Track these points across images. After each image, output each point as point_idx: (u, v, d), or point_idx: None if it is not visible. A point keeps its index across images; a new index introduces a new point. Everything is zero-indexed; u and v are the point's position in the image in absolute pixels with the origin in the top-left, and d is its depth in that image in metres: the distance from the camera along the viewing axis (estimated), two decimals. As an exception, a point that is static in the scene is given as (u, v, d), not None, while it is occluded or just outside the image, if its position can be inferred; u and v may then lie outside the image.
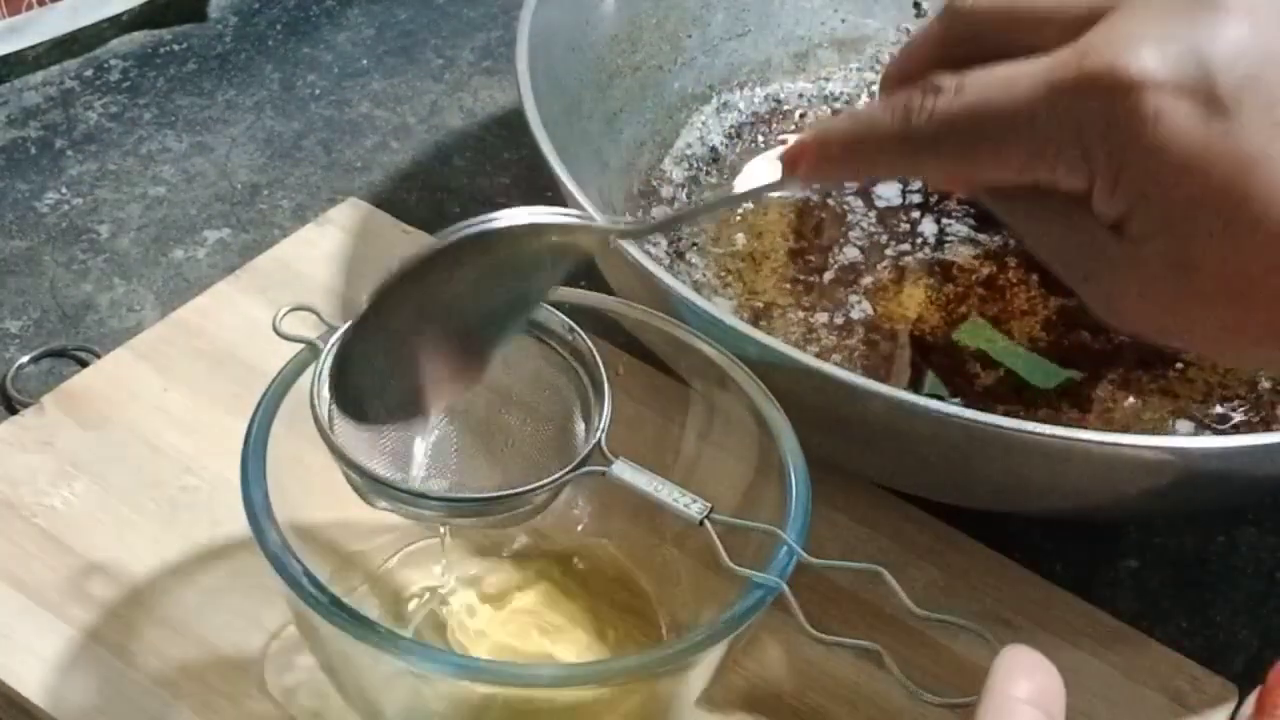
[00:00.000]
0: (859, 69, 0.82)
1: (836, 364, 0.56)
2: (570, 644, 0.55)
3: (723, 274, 0.72)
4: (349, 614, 0.46)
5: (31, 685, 0.53)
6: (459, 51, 0.88)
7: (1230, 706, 0.57)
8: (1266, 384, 0.69)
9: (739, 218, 0.75)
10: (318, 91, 0.84)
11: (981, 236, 0.74)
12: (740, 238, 0.74)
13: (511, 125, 0.82)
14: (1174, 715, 0.57)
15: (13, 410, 0.65)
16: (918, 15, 0.82)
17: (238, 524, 0.48)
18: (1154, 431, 0.66)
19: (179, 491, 0.59)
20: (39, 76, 0.83)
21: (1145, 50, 0.40)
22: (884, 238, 0.74)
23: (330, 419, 0.50)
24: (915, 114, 0.42)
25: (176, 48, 0.86)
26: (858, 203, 0.76)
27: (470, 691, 0.48)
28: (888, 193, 0.77)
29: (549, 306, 0.53)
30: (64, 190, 0.76)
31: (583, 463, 0.50)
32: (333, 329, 0.51)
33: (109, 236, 0.74)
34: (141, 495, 0.59)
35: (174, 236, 0.74)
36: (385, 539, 0.57)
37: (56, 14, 0.80)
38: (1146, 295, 0.42)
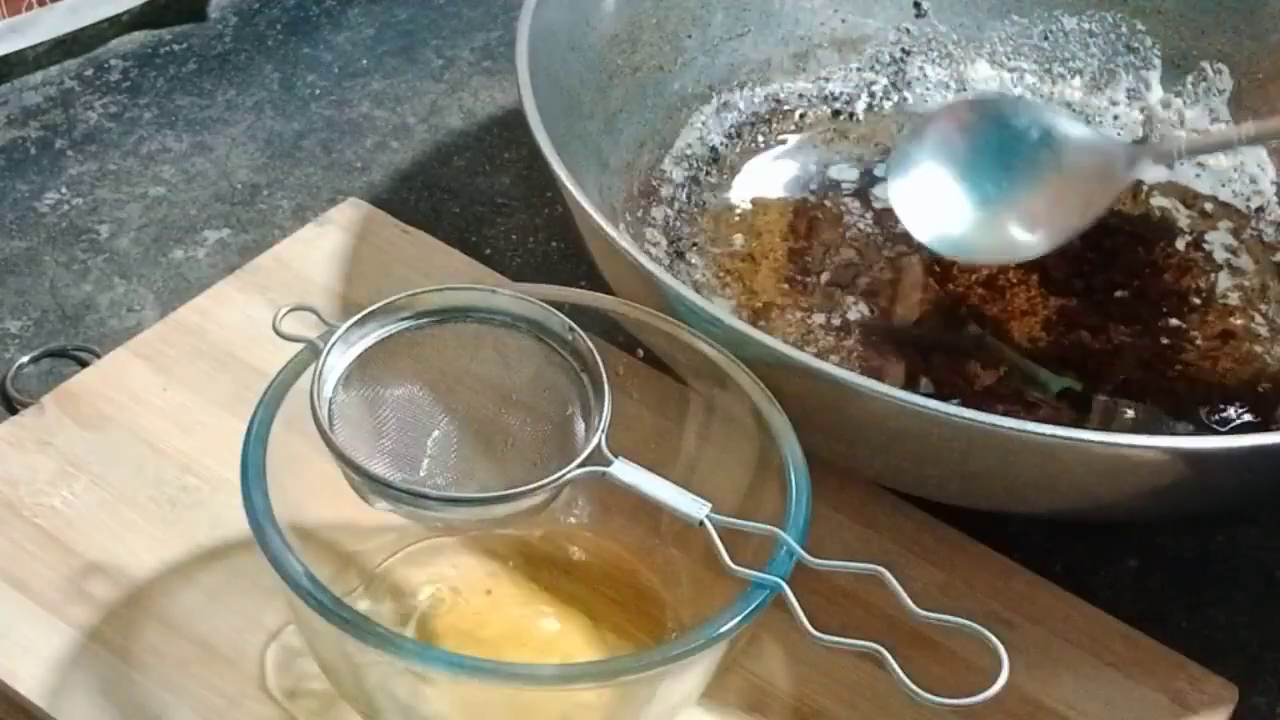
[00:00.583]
0: (859, 69, 0.82)
1: (835, 364, 0.56)
2: (569, 643, 0.55)
3: (722, 274, 0.72)
4: (349, 614, 0.46)
5: (31, 685, 0.53)
6: (459, 51, 0.88)
7: (1230, 706, 0.57)
8: (1266, 384, 0.69)
9: (738, 218, 0.75)
10: (318, 91, 0.84)
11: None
12: (739, 238, 0.74)
13: (511, 125, 0.82)
14: (1174, 715, 0.57)
15: (13, 410, 0.65)
16: (918, 15, 0.82)
17: (238, 524, 0.48)
18: (1154, 431, 0.66)
19: (179, 491, 0.59)
20: (39, 76, 0.83)
21: None
22: (880, 238, 0.74)
23: (330, 419, 0.50)
24: None
25: (176, 48, 0.86)
26: (855, 203, 0.76)
27: (470, 691, 0.48)
28: (884, 191, 0.77)
29: (548, 307, 0.53)
30: (64, 190, 0.76)
31: (583, 463, 0.50)
32: (333, 329, 0.51)
33: (109, 236, 0.74)
34: (141, 495, 0.59)
35: (174, 236, 0.74)
36: (385, 539, 0.57)
37: (56, 14, 0.80)
38: None
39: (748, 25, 0.80)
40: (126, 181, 0.77)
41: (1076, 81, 0.82)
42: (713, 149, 0.78)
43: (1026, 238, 0.68)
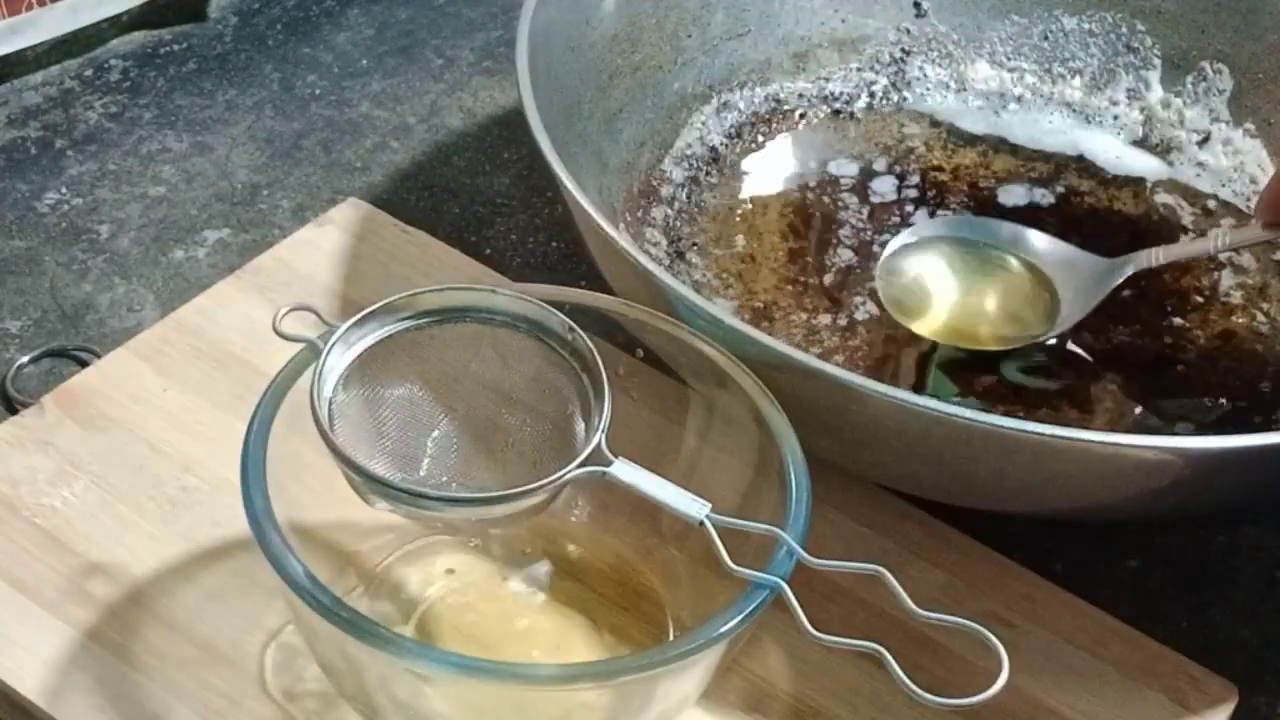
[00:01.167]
0: (859, 69, 0.82)
1: (838, 365, 0.56)
2: (569, 643, 0.55)
3: (723, 274, 0.72)
4: (349, 614, 0.46)
5: (31, 685, 0.53)
6: (459, 51, 0.88)
7: (1230, 706, 0.57)
8: (1267, 384, 0.69)
9: (738, 218, 0.75)
10: (318, 91, 0.84)
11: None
12: (740, 239, 0.74)
13: (511, 125, 0.82)
14: (1174, 715, 0.57)
15: (13, 410, 0.65)
16: (918, 15, 0.82)
17: (238, 524, 0.48)
18: (1154, 431, 0.66)
19: (179, 491, 0.59)
20: (39, 76, 0.83)
21: None
22: (881, 237, 0.74)
23: (330, 419, 0.50)
24: None
25: (176, 48, 0.86)
26: (854, 202, 0.76)
27: (470, 691, 0.48)
28: (882, 188, 0.77)
29: (548, 307, 0.53)
30: (64, 190, 0.76)
31: (583, 463, 0.50)
32: (333, 329, 0.51)
33: (109, 236, 0.74)
34: (141, 495, 0.59)
35: (174, 236, 0.74)
36: (385, 539, 0.57)
37: (56, 14, 0.80)
38: None
39: (748, 25, 0.80)
40: (126, 181, 0.77)
41: (1076, 81, 0.82)
42: (713, 149, 0.78)
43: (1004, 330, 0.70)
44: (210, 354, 0.65)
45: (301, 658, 0.54)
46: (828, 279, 0.72)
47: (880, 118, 0.81)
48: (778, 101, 0.81)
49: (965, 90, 0.82)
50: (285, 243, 0.71)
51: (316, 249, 0.70)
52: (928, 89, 0.82)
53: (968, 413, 0.53)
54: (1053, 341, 0.69)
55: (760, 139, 0.79)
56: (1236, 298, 0.73)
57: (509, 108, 0.83)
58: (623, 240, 0.58)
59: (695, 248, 0.73)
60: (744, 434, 0.53)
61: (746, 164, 0.78)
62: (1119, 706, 0.57)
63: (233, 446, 0.49)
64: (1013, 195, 0.77)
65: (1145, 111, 0.81)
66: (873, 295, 0.71)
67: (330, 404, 0.50)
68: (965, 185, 0.77)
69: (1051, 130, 0.81)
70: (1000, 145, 0.80)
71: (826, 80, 0.82)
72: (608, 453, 0.50)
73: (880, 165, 0.78)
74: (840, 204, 0.76)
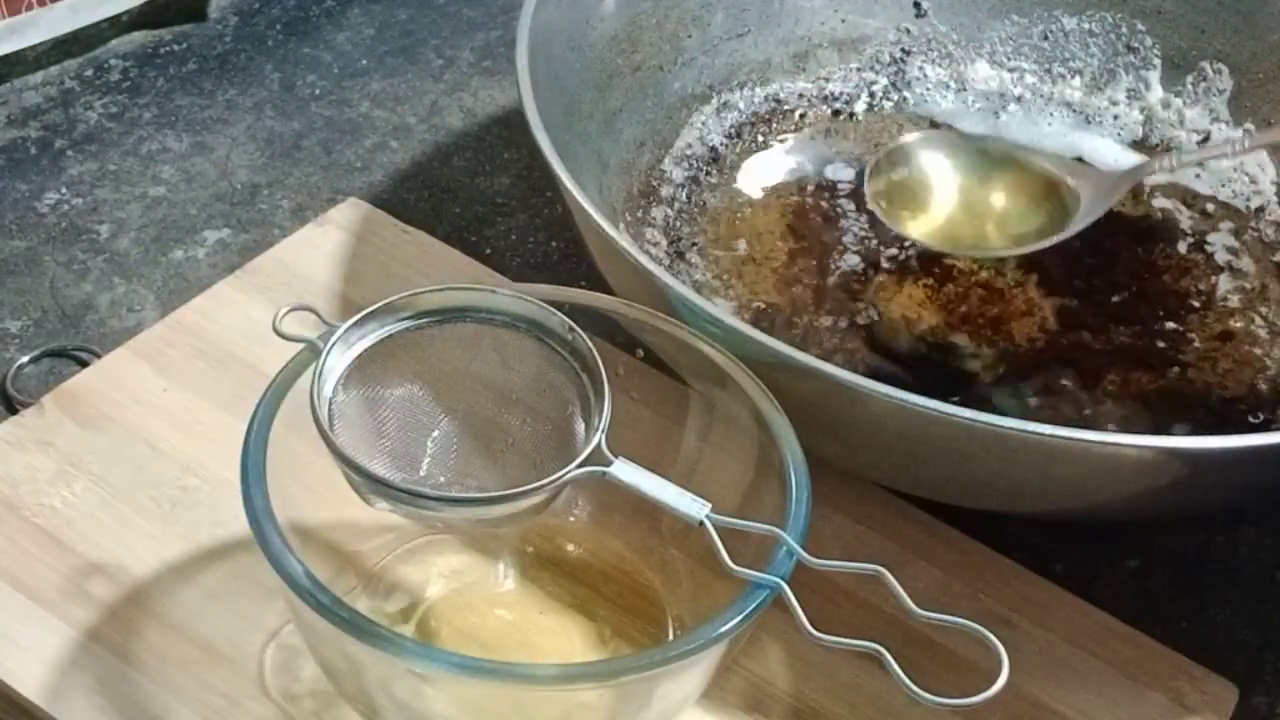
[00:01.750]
0: (859, 69, 0.82)
1: (837, 365, 0.56)
2: (569, 643, 0.55)
3: (724, 275, 0.72)
4: (349, 614, 0.46)
5: (31, 685, 0.53)
6: (459, 51, 0.88)
7: (1230, 706, 0.57)
8: (1265, 385, 0.69)
9: (738, 219, 0.75)
10: (318, 91, 0.84)
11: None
12: (739, 239, 0.74)
13: (511, 125, 0.82)
14: (1174, 715, 0.57)
15: (13, 410, 0.65)
16: (918, 15, 0.82)
17: (238, 524, 0.48)
18: (1154, 431, 0.66)
19: (179, 491, 0.59)
20: (39, 76, 0.83)
21: None
22: (882, 241, 0.74)
23: (330, 419, 0.50)
24: None
25: (176, 48, 0.86)
26: (853, 204, 0.76)
27: (470, 691, 0.48)
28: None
29: (548, 307, 0.53)
30: (64, 190, 0.76)
31: (583, 463, 0.50)
32: (333, 329, 0.51)
33: (109, 236, 0.74)
34: (141, 495, 0.59)
35: (174, 236, 0.74)
36: (385, 539, 0.57)
37: (56, 14, 0.80)
38: None
39: (748, 25, 0.80)
40: (126, 181, 0.77)
41: (1076, 81, 0.82)
42: (713, 149, 0.78)
43: (997, 239, 0.69)
44: (210, 354, 0.65)
45: (301, 658, 0.54)
46: (828, 279, 0.72)
47: (880, 118, 0.81)
48: (778, 101, 0.81)
49: (965, 90, 0.82)
50: (285, 243, 0.71)
51: (316, 249, 0.70)
52: (928, 89, 0.82)
53: (968, 413, 0.53)
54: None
55: (760, 139, 0.79)
56: (1234, 301, 0.73)
57: (509, 108, 0.83)
58: (623, 240, 0.58)
59: (695, 248, 0.73)
60: (744, 434, 0.53)
61: (747, 164, 0.78)
62: (1119, 706, 0.57)
63: (233, 446, 0.49)
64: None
65: (1145, 111, 0.81)
66: (868, 296, 0.71)
67: (330, 404, 0.50)
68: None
69: (1051, 131, 0.81)
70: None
71: (826, 80, 0.82)
72: (608, 453, 0.50)
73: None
74: (841, 205, 0.76)
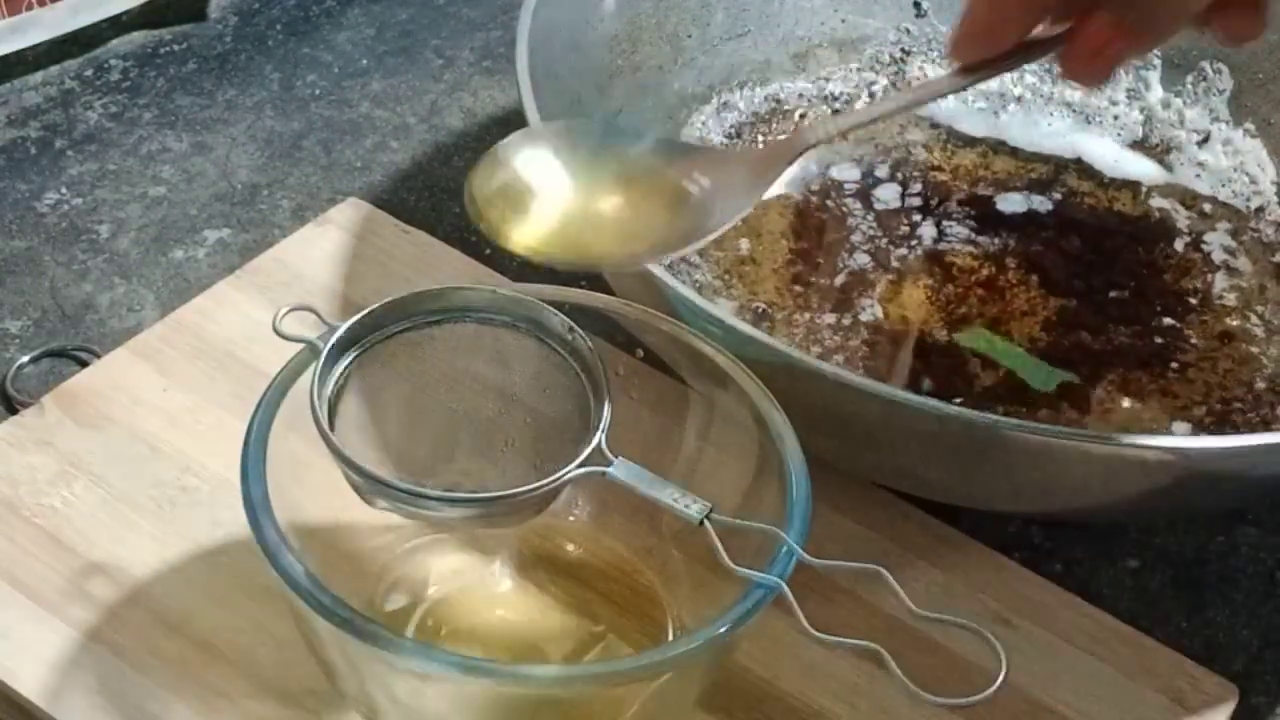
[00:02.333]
0: (859, 69, 0.82)
1: (837, 365, 0.56)
2: (570, 643, 0.55)
3: (724, 275, 0.72)
4: (349, 614, 0.46)
5: (31, 685, 0.53)
6: (459, 51, 0.88)
7: (1230, 706, 0.57)
8: (1263, 384, 0.69)
9: (739, 220, 0.75)
10: (318, 91, 0.84)
11: (981, 239, 0.74)
12: (740, 239, 0.74)
13: (511, 125, 0.81)
14: (1174, 715, 0.57)
15: (13, 410, 0.65)
16: (918, 15, 0.82)
17: (238, 524, 0.48)
18: (1153, 432, 0.66)
19: (179, 491, 0.59)
20: (39, 76, 0.83)
21: None
22: (883, 241, 0.74)
23: (330, 419, 0.50)
24: None
25: (176, 48, 0.86)
26: (856, 205, 0.76)
27: (471, 691, 0.48)
28: (886, 195, 0.77)
29: (548, 307, 0.53)
30: (64, 190, 0.76)
31: (583, 463, 0.50)
32: (333, 329, 0.51)
33: (109, 236, 0.74)
34: (141, 495, 0.59)
35: (174, 236, 0.74)
36: (385, 539, 0.57)
37: (56, 14, 0.80)
38: None
39: (748, 25, 0.80)
40: (126, 181, 0.77)
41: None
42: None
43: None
44: (210, 354, 0.65)
45: (301, 658, 0.54)
46: (829, 280, 0.72)
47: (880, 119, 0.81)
48: (778, 101, 0.81)
49: (965, 90, 0.82)
50: (285, 243, 0.71)
51: (316, 249, 0.70)
52: (928, 89, 0.82)
53: (968, 413, 0.53)
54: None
55: (760, 139, 0.79)
56: (1232, 300, 0.73)
57: (509, 108, 0.83)
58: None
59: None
60: (744, 434, 0.53)
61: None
62: (1119, 706, 0.57)
63: (233, 446, 0.49)
64: (1011, 202, 0.77)
65: (1145, 111, 0.81)
66: (869, 296, 0.71)
67: (330, 404, 0.50)
68: (965, 185, 0.78)
69: (1051, 131, 0.81)
70: (1000, 147, 0.80)
71: (826, 80, 0.82)
72: (608, 453, 0.50)
73: (881, 168, 0.78)
74: (841, 206, 0.76)
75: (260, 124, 0.81)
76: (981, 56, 0.53)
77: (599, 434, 0.50)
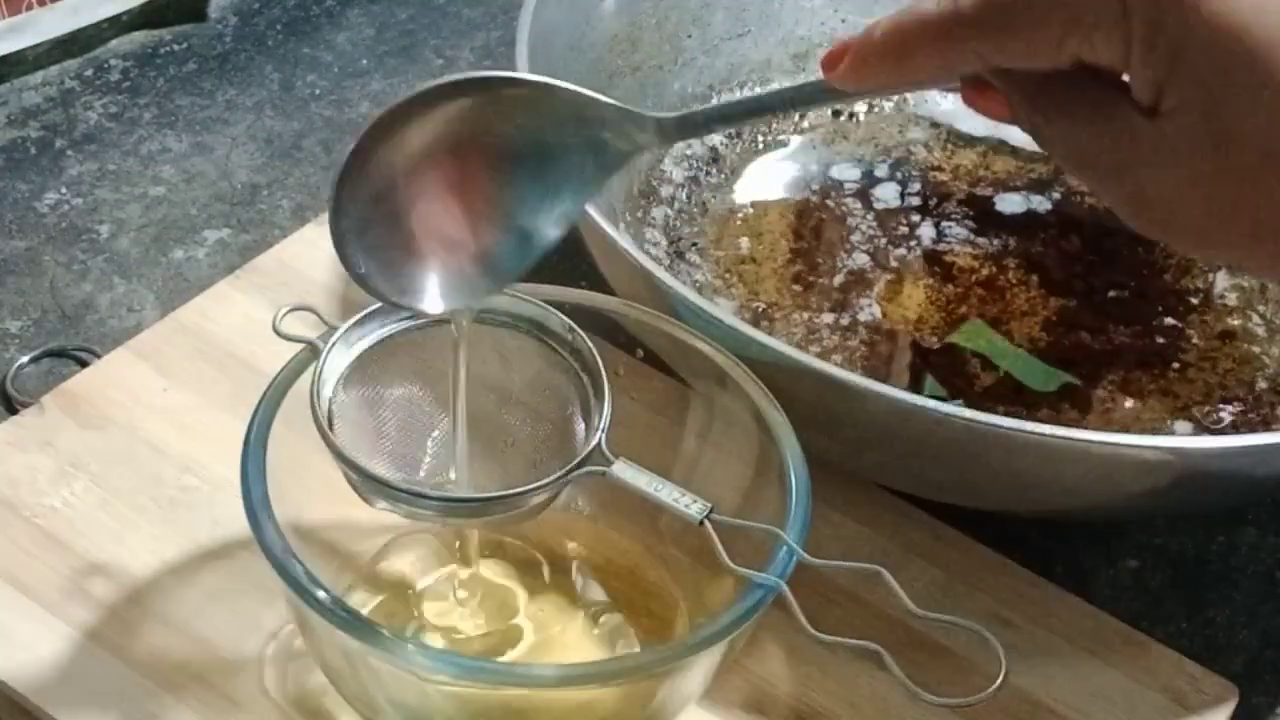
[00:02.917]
0: (859, 69, 0.82)
1: (837, 365, 0.56)
2: (570, 642, 0.55)
3: (725, 275, 0.72)
4: (349, 614, 0.46)
5: (31, 685, 0.53)
6: (459, 51, 0.88)
7: (1230, 706, 0.57)
8: (1264, 384, 0.69)
9: (740, 221, 0.75)
10: (318, 91, 0.84)
11: (980, 240, 0.74)
12: (740, 239, 0.74)
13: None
14: (1174, 715, 0.57)
15: (13, 410, 0.65)
16: (918, 15, 0.82)
17: (238, 524, 0.48)
18: (1153, 432, 0.66)
19: (179, 491, 0.59)
20: (39, 76, 0.83)
21: None
22: (883, 241, 0.74)
23: (330, 419, 0.50)
24: None
25: (176, 48, 0.86)
26: (856, 205, 0.76)
27: (471, 691, 0.48)
28: (886, 194, 0.77)
29: (548, 307, 0.53)
30: (64, 190, 0.76)
31: (583, 463, 0.50)
32: (333, 329, 0.51)
33: (109, 236, 0.74)
34: (141, 495, 0.59)
35: (174, 236, 0.74)
36: (385, 539, 0.57)
37: (56, 14, 0.80)
38: (1182, 182, 0.40)
39: (748, 25, 0.80)
40: (126, 181, 0.77)
41: (1076, 82, 0.82)
42: (713, 149, 0.78)
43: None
44: (210, 354, 0.65)
45: (301, 658, 0.54)
46: (829, 279, 0.72)
47: (880, 118, 0.81)
48: (778, 102, 0.80)
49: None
50: (285, 243, 0.71)
51: (316, 249, 0.70)
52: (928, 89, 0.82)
53: (968, 413, 0.53)
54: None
55: (760, 139, 0.79)
56: (1233, 299, 0.73)
57: (509, 108, 0.83)
58: (623, 240, 0.58)
59: (695, 248, 0.73)
60: (744, 434, 0.53)
61: (747, 164, 0.78)
62: (1119, 706, 0.57)
63: (233, 446, 0.49)
64: (1011, 202, 0.77)
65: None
66: (868, 296, 0.71)
67: (330, 404, 0.50)
68: (965, 185, 0.78)
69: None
70: (1000, 147, 0.80)
71: (826, 80, 0.81)
72: (608, 453, 0.50)
73: (881, 167, 0.78)
74: (841, 206, 0.76)
75: (260, 124, 0.81)
76: (862, 87, 0.45)
77: (599, 434, 0.50)
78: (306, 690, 0.54)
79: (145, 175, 0.78)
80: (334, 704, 0.53)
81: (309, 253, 0.70)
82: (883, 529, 0.61)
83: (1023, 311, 0.71)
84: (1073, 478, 0.55)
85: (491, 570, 0.57)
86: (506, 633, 0.55)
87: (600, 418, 0.51)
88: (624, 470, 0.50)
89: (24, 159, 0.78)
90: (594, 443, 0.50)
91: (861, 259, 0.73)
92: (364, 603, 0.55)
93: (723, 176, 0.77)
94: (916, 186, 0.77)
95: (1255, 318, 0.72)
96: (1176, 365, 0.70)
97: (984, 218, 0.76)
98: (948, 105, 0.81)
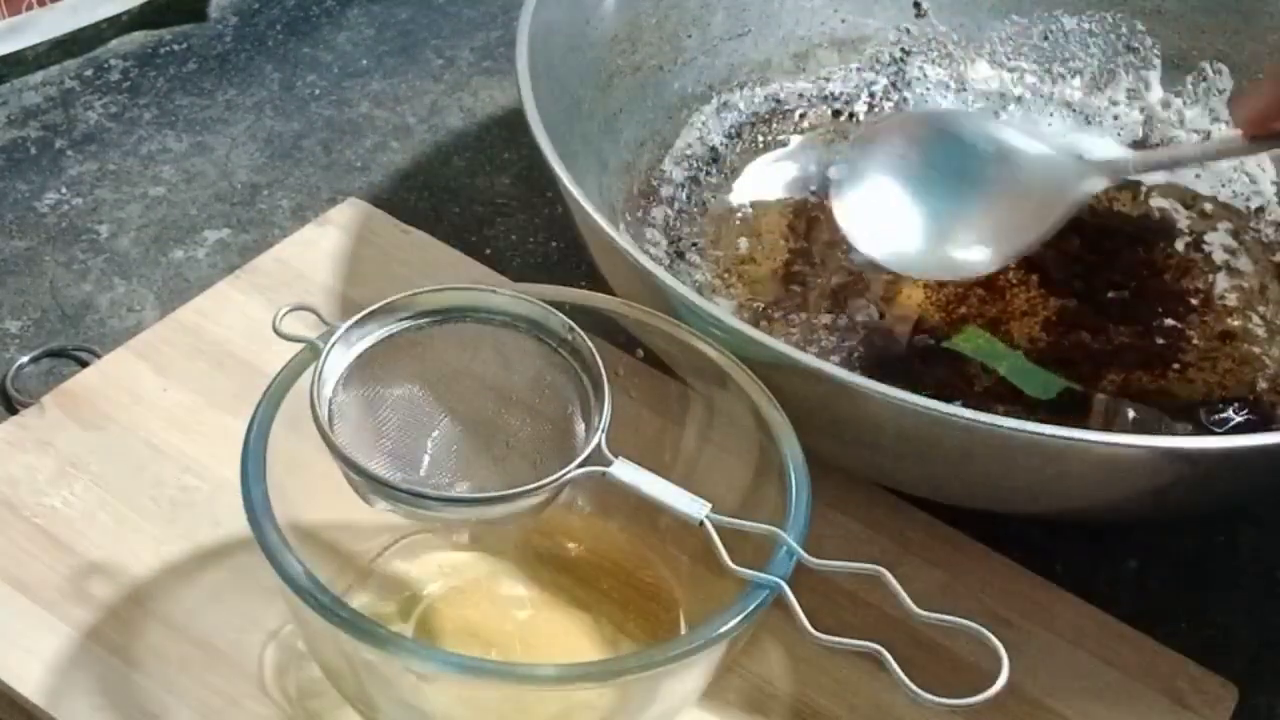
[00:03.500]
0: (859, 69, 0.82)
1: (836, 365, 0.56)
2: (570, 642, 0.55)
3: (724, 275, 0.72)
4: (349, 614, 0.46)
5: (31, 685, 0.53)
6: (459, 51, 0.88)
7: (1230, 706, 0.57)
8: (1265, 384, 0.69)
9: (739, 219, 0.75)
10: (318, 91, 0.84)
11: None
12: (740, 238, 0.74)
13: (511, 125, 0.82)
14: (1174, 715, 0.57)
15: (13, 410, 0.65)
16: (918, 15, 0.82)
17: (238, 524, 0.48)
18: (1154, 431, 0.66)
19: (179, 491, 0.60)
20: (39, 76, 0.83)
21: None
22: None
23: (330, 419, 0.50)
24: None
25: (176, 48, 0.86)
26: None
27: (470, 690, 0.48)
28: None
29: (548, 307, 0.53)
30: (64, 190, 0.76)
31: (583, 463, 0.50)
32: (333, 329, 0.51)
33: (109, 236, 0.74)
34: (141, 495, 0.59)
35: (174, 236, 0.74)
36: (385, 539, 0.57)
37: (56, 14, 0.80)
38: None
39: (748, 25, 0.80)
40: (126, 181, 0.77)
41: (1076, 81, 0.82)
42: (713, 149, 0.78)
43: (976, 254, 0.68)
44: (210, 354, 0.65)
45: (301, 658, 0.54)
46: (828, 279, 0.72)
47: (880, 118, 0.81)
48: (778, 101, 0.81)
49: (965, 90, 0.82)
50: (285, 243, 0.71)
51: (316, 249, 0.70)
52: (928, 89, 0.82)
53: (968, 413, 0.53)
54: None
55: (760, 139, 0.79)
56: (1233, 300, 0.73)
57: (509, 108, 0.83)
58: (623, 240, 0.58)
59: (695, 248, 0.73)
60: (744, 434, 0.53)
61: (747, 164, 0.78)
62: (1119, 706, 0.57)
63: (233, 446, 0.49)
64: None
65: (1145, 111, 0.81)
66: (868, 295, 0.71)
67: (330, 404, 0.50)
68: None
69: (1051, 131, 0.81)
70: (1000, 146, 0.80)
71: (826, 80, 0.82)
72: (608, 453, 0.50)
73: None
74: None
75: (260, 124, 0.81)
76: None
77: (599, 434, 0.50)
78: (306, 690, 0.54)
79: (145, 175, 0.78)
80: (334, 704, 0.53)
81: (309, 253, 0.70)
82: (883, 529, 0.61)
83: (1022, 312, 0.71)
84: (1073, 478, 0.55)
85: (491, 570, 0.57)
86: (506, 632, 0.55)
87: (600, 418, 0.51)
88: (624, 470, 0.50)
89: (24, 159, 0.78)
90: (594, 443, 0.50)
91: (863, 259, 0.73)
92: (364, 603, 0.55)
93: (722, 176, 0.77)
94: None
95: (1255, 318, 0.72)
96: (1176, 366, 0.70)
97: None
98: (947, 103, 0.81)
